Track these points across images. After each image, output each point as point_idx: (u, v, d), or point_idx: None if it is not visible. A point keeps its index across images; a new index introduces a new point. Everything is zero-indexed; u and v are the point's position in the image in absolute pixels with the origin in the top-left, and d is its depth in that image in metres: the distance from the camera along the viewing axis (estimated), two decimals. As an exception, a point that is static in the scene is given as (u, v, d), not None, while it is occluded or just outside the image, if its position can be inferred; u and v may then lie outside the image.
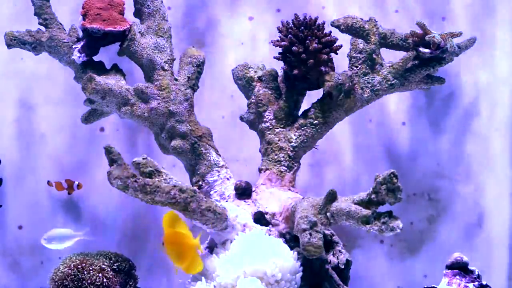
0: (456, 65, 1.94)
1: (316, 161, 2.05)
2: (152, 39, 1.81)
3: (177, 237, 1.52)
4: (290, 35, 1.74)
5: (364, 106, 1.83)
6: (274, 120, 1.80)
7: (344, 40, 1.81)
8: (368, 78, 1.82)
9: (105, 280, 1.68)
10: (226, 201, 1.73)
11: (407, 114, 2.07)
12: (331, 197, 1.52)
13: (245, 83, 1.85)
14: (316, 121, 1.78)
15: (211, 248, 1.66)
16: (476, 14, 2.06)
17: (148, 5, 1.83)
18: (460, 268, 1.64)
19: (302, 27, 1.74)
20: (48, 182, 1.96)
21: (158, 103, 1.77)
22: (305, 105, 1.83)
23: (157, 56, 1.80)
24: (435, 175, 2.07)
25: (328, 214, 1.51)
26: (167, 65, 1.81)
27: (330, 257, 1.67)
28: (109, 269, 1.71)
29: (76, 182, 1.94)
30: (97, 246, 1.83)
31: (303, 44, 1.73)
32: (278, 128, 1.80)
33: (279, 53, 1.79)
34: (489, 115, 2.07)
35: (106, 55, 1.85)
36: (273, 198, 1.72)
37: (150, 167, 1.51)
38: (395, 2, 2.05)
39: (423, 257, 2.07)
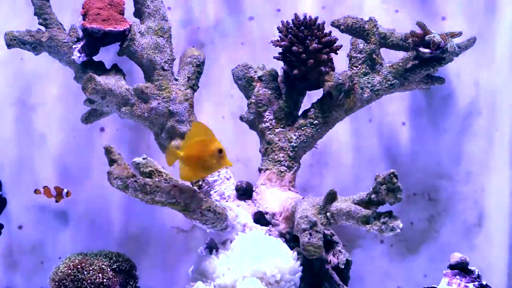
0: (456, 65, 1.94)
1: (316, 161, 2.05)
2: (152, 39, 1.81)
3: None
4: (290, 35, 1.73)
5: (364, 106, 1.83)
6: (274, 120, 1.80)
7: (344, 40, 1.81)
8: (368, 78, 1.82)
9: (105, 280, 1.68)
10: (226, 201, 1.73)
11: (407, 114, 2.07)
12: (331, 197, 1.52)
13: (245, 83, 1.85)
14: (316, 121, 1.78)
15: (211, 248, 1.66)
16: (476, 14, 2.05)
17: (148, 5, 1.83)
18: (460, 268, 1.64)
19: (302, 27, 1.73)
20: (36, 190, 1.93)
21: (158, 103, 1.77)
22: (305, 105, 1.83)
23: (157, 56, 1.80)
24: (435, 175, 2.07)
25: (328, 214, 1.51)
26: (167, 65, 1.81)
27: (330, 257, 1.67)
28: (109, 269, 1.71)
29: (65, 190, 1.92)
30: (98, 246, 1.83)
31: (303, 44, 1.73)
32: (278, 128, 1.80)
33: (279, 53, 1.79)
34: (489, 115, 2.07)
35: (106, 55, 1.85)
36: (273, 198, 1.72)
37: (150, 167, 1.51)
38: (395, 2, 2.05)
39: (423, 257, 2.07)
